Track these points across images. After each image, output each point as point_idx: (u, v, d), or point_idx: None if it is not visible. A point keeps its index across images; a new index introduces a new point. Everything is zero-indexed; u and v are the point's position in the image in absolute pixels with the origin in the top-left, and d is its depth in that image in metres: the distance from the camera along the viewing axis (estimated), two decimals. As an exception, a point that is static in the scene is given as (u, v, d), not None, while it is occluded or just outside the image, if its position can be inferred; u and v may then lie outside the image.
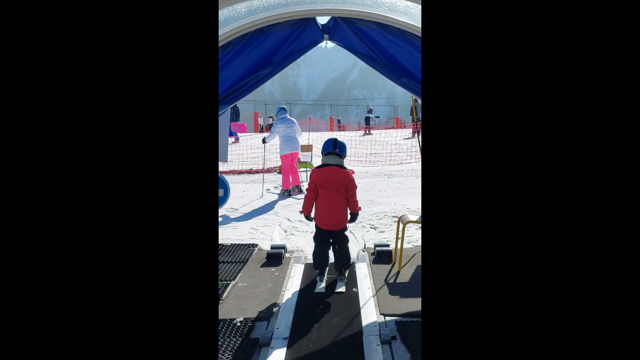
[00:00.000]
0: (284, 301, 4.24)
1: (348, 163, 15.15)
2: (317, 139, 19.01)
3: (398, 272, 4.91)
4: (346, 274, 4.80)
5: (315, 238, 4.77)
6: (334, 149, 4.66)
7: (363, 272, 4.94)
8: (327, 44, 4.73)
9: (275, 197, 10.15)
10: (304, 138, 17.52)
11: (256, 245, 5.99)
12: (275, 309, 4.08)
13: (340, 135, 21.45)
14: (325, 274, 4.82)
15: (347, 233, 4.91)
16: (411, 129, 24.08)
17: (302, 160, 12.72)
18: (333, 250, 4.79)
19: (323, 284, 4.64)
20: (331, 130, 30.34)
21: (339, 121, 37.82)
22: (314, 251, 4.80)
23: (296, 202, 9.37)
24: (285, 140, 10.19)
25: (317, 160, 14.69)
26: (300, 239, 6.99)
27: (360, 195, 9.71)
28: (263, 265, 5.23)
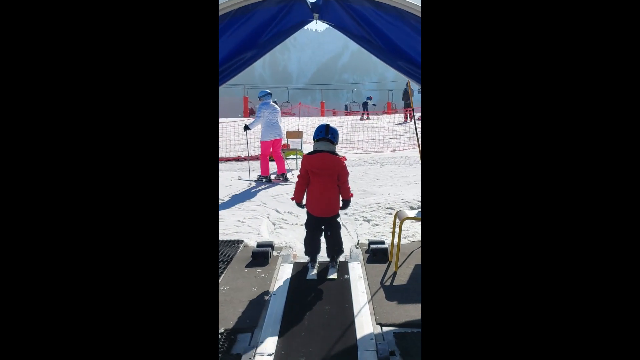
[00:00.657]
0: (269, 309, 3.85)
1: (339, 150, 14.69)
2: (308, 125, 18.59)
3: (395, 273, 4.54)
4: (338, 261, 4.78)
5: (307, 225, 4.76)
6: (326, 135, 4.54)
7: (357, 273, 4.55)
8: (317, 25, 4.40)
9: (262, 186, 9.73)
10: (293, 124, 17.09)
11: (241, 241, 5.60)
12: (260, 319, 3.69)
13: (331, 121, 21.03)
14: (317, 260, 4.79)
15: (341, 225, 4.92)
16: (403, 115, 23.71)
17: (291, 147, 12.31)
18: (325, 237, 4.76)
19: (315, 271, 4.63)
20: (322, 115, 29.84)
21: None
22: (305, 238, 4.79)
23: (285, 192, 8.97)
24: (269, 126, 9.98)
25: (307, 147, 14.29)
26: (289, 232, 6.61)
27: (353, 185, 9.29)
28: (248, 265, 4.84)
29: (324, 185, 4.47)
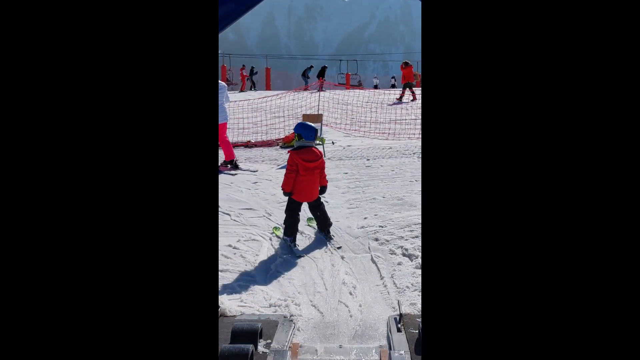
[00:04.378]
0: None
1: (363, 134, 12.64)
2: (331, 101, 16.34)
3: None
4: (330, 230, 5.42)
5: (291, 210, 5.25)
6: (315, 139, 5.30)
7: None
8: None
9: (268, 187, 7.65)
10: (312, 105, 14.93)
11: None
12: None
13: (357, 95, 18.78)
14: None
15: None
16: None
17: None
18: (315, 217, 5.45)
19: (299, 247, 5.17)
20: (347, 88, 27.52)
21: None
22: (288, 221, 5.25)
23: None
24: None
25: (326, 131, 12.17)
26: (297, 271, 4.58)
27: (385, 189, 7.20)
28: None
29: (313, 175, 5.16)
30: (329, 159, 9.69)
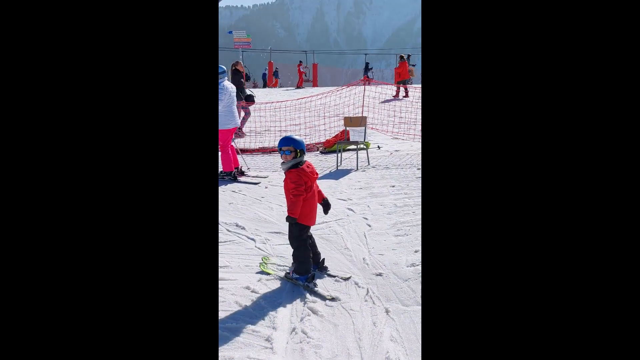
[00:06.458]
0: None
1: (413, 137, 11.44)
2: (376, 99, 15.14)
3: None
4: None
5: (300, 240, 4.37)
6: None
7: None
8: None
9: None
10: (357, 106, 13.80)
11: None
12: None
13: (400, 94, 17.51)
14: None
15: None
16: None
17: (351, 138, 9.12)
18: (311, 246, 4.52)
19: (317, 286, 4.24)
20: (395, 83, 26.15)
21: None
22: (301, 255, 4.34)
23: (328, 224, 5.83)
24: (228, 112, 7.85)
25: (371, 134, 11.06)
26: (330, 331, 3.52)
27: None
28: None
29: (315, 192, 4.43)
30: (373, 167, 8.58)
